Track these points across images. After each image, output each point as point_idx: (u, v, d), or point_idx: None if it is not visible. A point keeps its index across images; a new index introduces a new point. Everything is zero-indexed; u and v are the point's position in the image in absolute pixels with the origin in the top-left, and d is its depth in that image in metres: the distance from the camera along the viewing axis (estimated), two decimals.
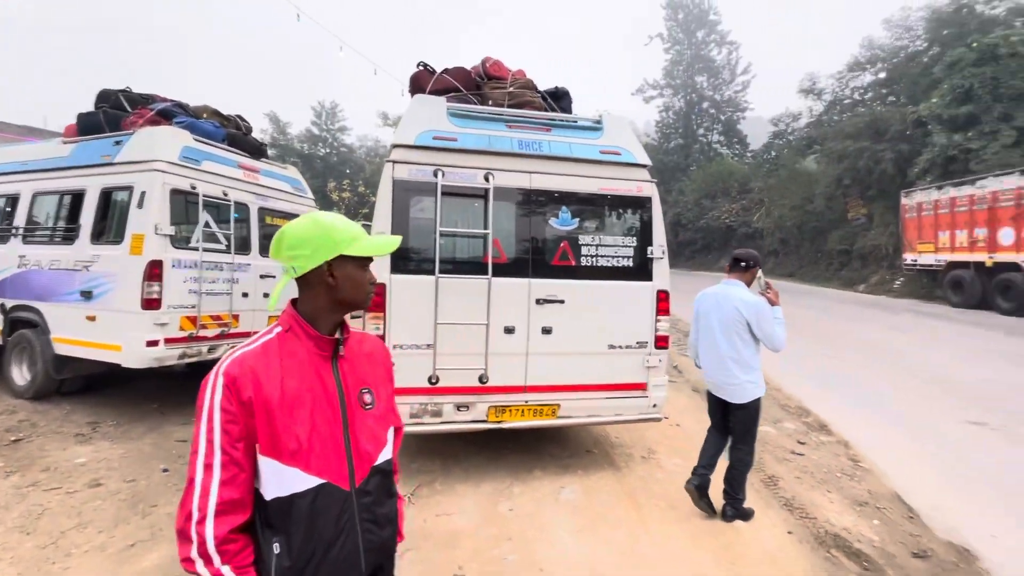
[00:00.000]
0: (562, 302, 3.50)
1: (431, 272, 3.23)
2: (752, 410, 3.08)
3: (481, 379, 3.38)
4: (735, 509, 3.10)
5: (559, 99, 4.73)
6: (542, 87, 4.63)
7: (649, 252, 3.66)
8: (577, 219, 3.56)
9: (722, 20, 41.60)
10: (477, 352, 3.34)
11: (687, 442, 4.43)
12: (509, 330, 3.43)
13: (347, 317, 1.17)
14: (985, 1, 19.33)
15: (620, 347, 3.62)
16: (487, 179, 3.37)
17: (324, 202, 31.43)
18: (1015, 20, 17.74)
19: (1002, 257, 11.45)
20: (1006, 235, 11.40)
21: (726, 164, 34.73)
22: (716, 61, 41.39)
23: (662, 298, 3.66)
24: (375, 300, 3.21)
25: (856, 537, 2.98)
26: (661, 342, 3.68)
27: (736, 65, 40.73)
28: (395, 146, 3.37)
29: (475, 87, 4.28)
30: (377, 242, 1.12)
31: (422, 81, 4.20)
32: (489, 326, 3.31)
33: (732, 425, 3.15)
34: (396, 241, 1.15)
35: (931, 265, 13.73)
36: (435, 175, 3.27)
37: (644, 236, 3.67)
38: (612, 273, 3.61)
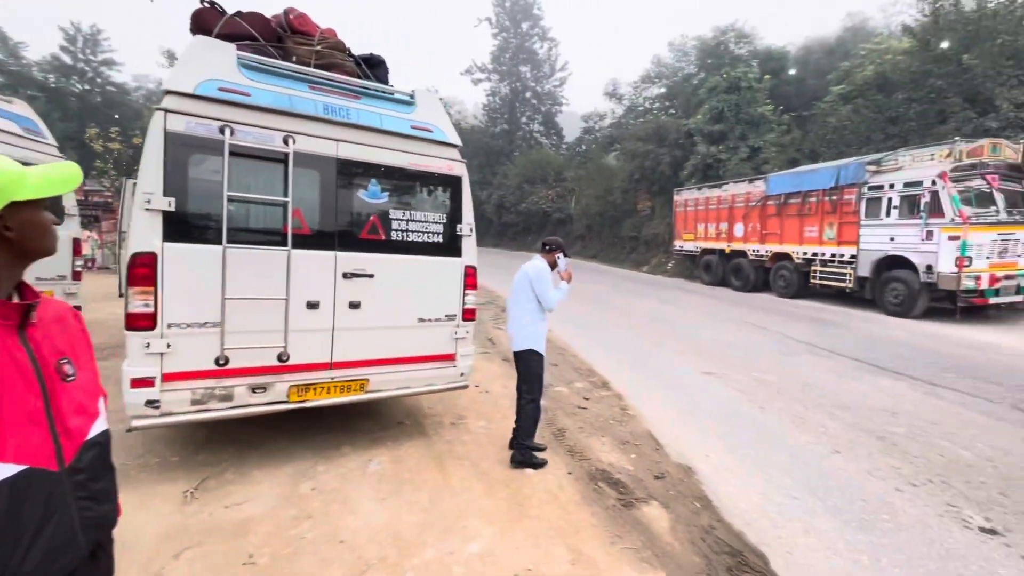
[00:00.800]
0: (371, 276, 3.46)
1: (217, 241, 2.88)
2: (528, 361, 3.58)
3: (280, 357, 3.17)
4: (521, 455, 3.53)
5: (374, 67, 4.55)
6: (359, 52, 4.41)
7: (458, 229, 3.84)
8: (387, 193, 3.54)
9: (544, 16, 44.17)
10: (275, 329, 3.11)
11: (493, 407, 4.84)
12: (313, 305, 3.27)
13: (30, 279, 1.02)
14: (735, 41, 24.31)
15: (430, 320, 3.75)
16: (287, 142, 3.11)
17: (82, 152, 25.02)
18: (752, 60, 22.70)
19: (735, 246, 14.81)
20: (738, 229, 14.75)
21: (544, 153, 37.51)
22: (539, 54, 44.03)
23: (470, 273, 3.89)
24: (141, 272, 2.75)
25: (618, 470, 3.64)
26: (468, 315, 3.91)
27: (556, 61, 43.93)
28: (169, 93, 2.87)
29: (275, 39, 3.88)
30: (54, 176, 0.97)
31: (207, 21, 3.63)
32: (289, 301, 3.11)
33: (517, 375, 3.62)
34: (76, 172, 1.01)
35: (692, 251, 17.03)
36: (221, 132, 2.90)
37: (453, 214, 3.83)
38: (422, 248, 3.69)
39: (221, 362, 2.99)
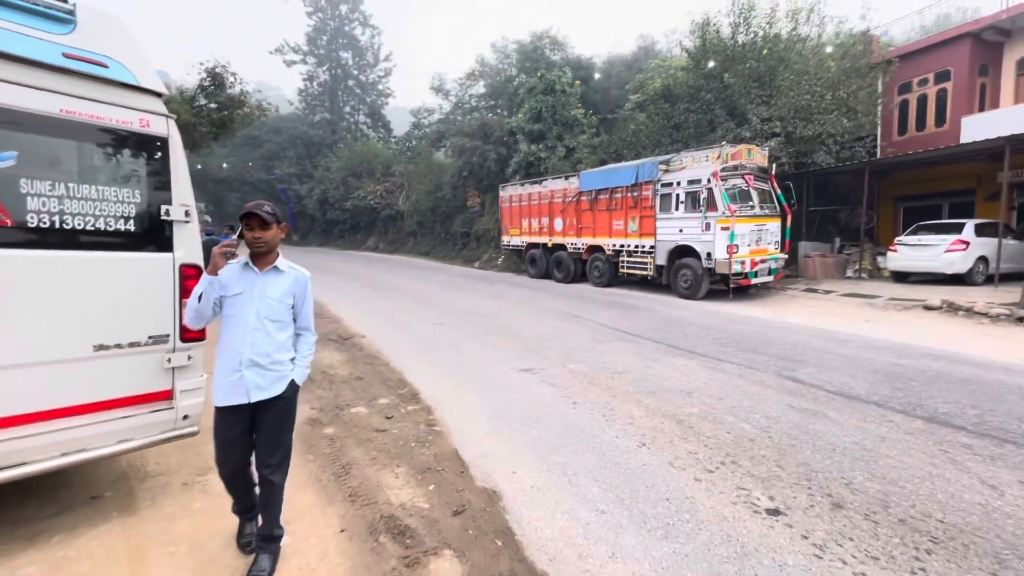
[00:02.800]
0: None
1: None
2: (282, 409, 2.43)
3: None
4: (269, 545, 2.40)
5: None
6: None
7: (165, 212, 2.69)
8: (14, 153, 2.25)
9: (364, 1, 41.83)
10: None
11: None
12: None
13: None
14: (550, 47, 25.75)
15: (120, 346, 2.55)
16: None
17: None
18: (565, 67, 24.25)
19: (556, 240, 15.44)
20: (558, 224, 15.40)
21: (371, 146, 35.52)
22: (360, 41, 41.57)
23: (189, 275, 2.76)
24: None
25: (409, 511, 2.94)
26: (193, 333, 2.79)
27: (379, 50, 41.99)
28: None
29: None
30: None
31: None
32: None
33: (257, 438, 2.43)
34: None
35: (518, 246, 17.37)
36: None
37: (156, 191, 2.67)
38: (95, 240, 2.47)
39: None
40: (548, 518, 2.87)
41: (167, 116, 2.71)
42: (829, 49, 15.05)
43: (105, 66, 2.51)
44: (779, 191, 11.90)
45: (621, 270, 13.20)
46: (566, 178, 15.38)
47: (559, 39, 25.85)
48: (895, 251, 12.16)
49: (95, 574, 2.27)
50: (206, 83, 16.59)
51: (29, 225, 2.28)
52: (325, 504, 2.97)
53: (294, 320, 2.45)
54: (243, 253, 2.36)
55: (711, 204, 10.77)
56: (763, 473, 3.35)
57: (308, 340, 2.50)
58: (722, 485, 3.20)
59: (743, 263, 10.60)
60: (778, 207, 11.82)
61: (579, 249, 14.58)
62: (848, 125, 13.53)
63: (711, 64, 15.18)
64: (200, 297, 2.26)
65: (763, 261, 11.06)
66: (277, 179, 39.37)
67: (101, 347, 2.48)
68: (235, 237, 2.41)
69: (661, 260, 12.01)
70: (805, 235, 15.06)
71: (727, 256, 10.50)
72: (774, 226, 11.55)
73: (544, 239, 15.92)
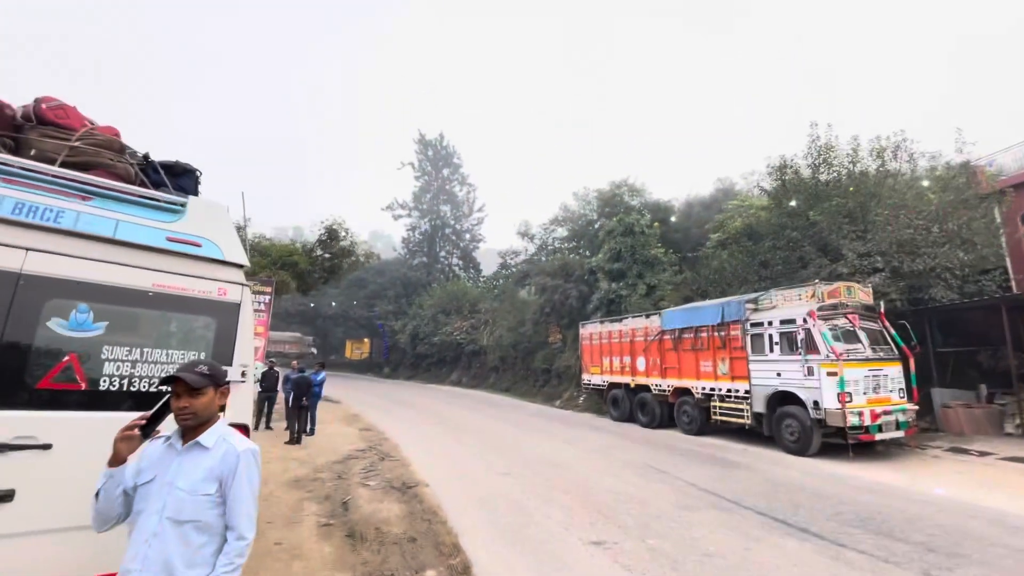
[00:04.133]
0: (47, 447, 2.28)
1: None
2: None
3: None
4: None
5: (177, 175, 3.84)
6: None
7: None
8: (103, 323, 2.53)
9: (463, 164, 48.37)
10: None
11: None
12: None
13: None
14: (628, 194, 27.35)
15: None
16: None
17: None
18: (643, 210, 25.33)
19: (639, 380, 14.60)
20: (640, 363, 14.69)
21: (460, 285, 38.05)
22: (458, 196, 47.20)
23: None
24: None
25: None
26: None
27: (473, 202, 47.15)
28: None
29: (10, 128, 3.06)
30: None
31: None
32: None
33: None
34: None
35: (599, 385, 16.64)
36: None
37: (220, 352, 2.84)
38: (156, 401, 2.61)
39: None
40: None
41: (243, 284, 3.00)
42: (926, 183, 14.33)
43: (199, 245, 2.89)
44: (893, 331, 10.57)
45: (714, 416, 11.91)
46: (647, 316, 15.03)
47: (637, 186, 27.44)
48: None
49: None
50: (324, 237, 19.32)
51: (100, 389, 2.47)
52: None
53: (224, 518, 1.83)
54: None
55: (811, 346, 9.74)
56: None
57: (233, 549, 1.79)
58: None
59: (861, 414, 9.10)
60: (895, 349, 10.40)
61: (664, 391, 13.57)
62: (966, 258, 12.19)
63: (792, 203, 14.99)
64: (98, 494, 1.83)
65: (887, 412, 9.43)
66: (376, 316, 42.91)
67: None
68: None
69: (759, 407, 10.71)
70: (938, 381, 12.89)
71: (839, 406, 9.12)
72: (894, 371, 10.05)
73: (626, 379, 15.14)
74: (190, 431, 1.92)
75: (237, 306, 2.94)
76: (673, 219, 25.26)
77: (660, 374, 13.80)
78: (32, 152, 2.99)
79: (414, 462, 8.98)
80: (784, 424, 10.08)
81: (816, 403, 9.46)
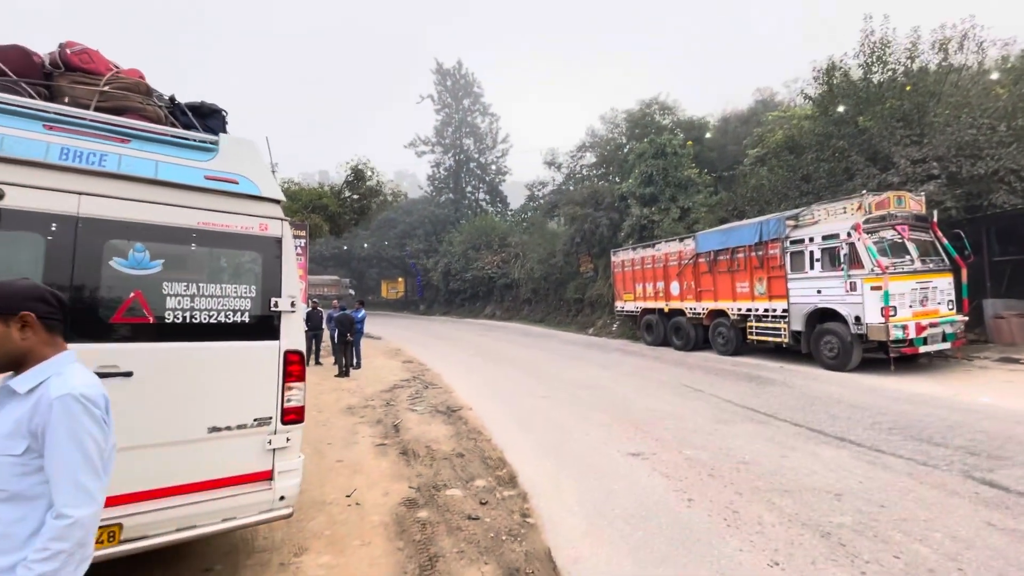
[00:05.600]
0: (128, 375, 2.51)
1: None
2: None
3: None
4: None
5: (204, 116, 3.83)
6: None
7: (275, 304, 2.98)
8: (160, 260, 2.67)
9: (484, 93, 46.43)
10: None
11: (356, 528, 3.76)
12: None
13: None
14: (659, 113, 25.84)
15: (229, 428, 2.78)
16: None
17: None
18: (676, 129, 24.01)
19: (673, 305, 14.56)
20: (674, 287, 14.58)
21: (489, 220, 37.83)
22: (481, 128, 45.76)
23: (293, 360, 2.98)
24: None
25: None
26: (291, 415, 2.96)
27: (497, 134, 45.74)
28: None
29: (40, 76, 3.09)
30: None
31: None
32: None
33: None
34: None
35: (632, 311, 16.70)
36: None
37: (269, 285, 2.98)
38: (218, 332, 2.79)
39: None
40: None
41: (282, 219, 3.07)
42: (995, 76, 12.93)
43: (236, 182, 2.95)
44: (946, 241, 10.04)
45: (749, 336, 11.89)
46: (681, 240, 14.71)
47: (668, 104, 25.90)
48: None
49: None
50: (350, 178, 19.32)
51: (166, 321, 2.66)
52: None
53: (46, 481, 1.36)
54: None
55: (855, 261, 9.40)
56: None
57: (48, 531, 1.30)
58: None
59: (905, 327, 8.90)
60: (947, 260, 9.93)
61: (699, 314, 13.54)
62: None
63: (840, 109, 13.87)
64: None
65: (933, 325, 9.19)
66: (408, 255, 43.57)
67: (214, 429, 2.73)
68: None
69: (797, 325, 10.60)
70: (992, 291, 12.32)
71: (883, 320, 8.93)
72: (944, 282, 9.66)
73: (660, 304, 15.12)
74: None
75: (279, 240, 3.04)
76: (708, 136, 23.91)
77: (695, 297, 13.70)
78: (66, 99, 3.03)
79: (456, 389, 9.43)
80: (823, 341, 9.98)
81: (858, 318, 9.27)
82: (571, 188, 30.31)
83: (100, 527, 2.39)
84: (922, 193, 10.55)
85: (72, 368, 1.52)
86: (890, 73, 13.63)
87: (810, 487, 4.30)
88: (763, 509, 3.91)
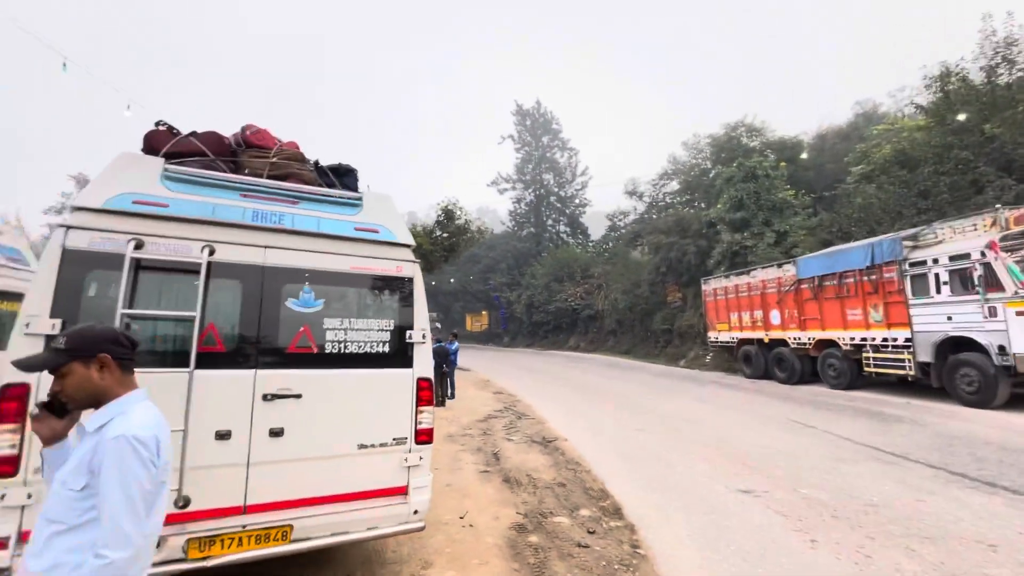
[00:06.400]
0: (299, 397, 2.98)
1: None
2: None
3: (178, 503, 2.63)
4: None
5: (342, 175, 4.48)
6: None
7: (409, 336, 3.38)
8: (322, 300, 3.18)
9: (563, 129, 47.60)
10: (171, 467, 2.60)
11: (472, 548, 3.99)
12: (223, 436, 2.78)
13: None
14: (747, 135, 24.98)
15: (374, 446, 3.17)
16: (205, 252, 2.86)
17: None
18: (766, 151, 23.03)
19: (774, 334, 13.70)
20: (774, 316, 13.74)
21: (570, 251, 38.10)
22: (560, 163, 46.76)
23: (423, 387, 3.35)
24: (9, 406, 2.38)
25: None
26: (423, 436, 3.31)
27: (576, 167, 46.45)
28: (75, 209, 2.72)
29: (230, 154, 3.85)
30: None
31: (159, 143, 3.64)
32: (187, 432, 2.64)
33: None
34: None
35: (727, 342, 15.90)
36: (128, 246, 2.67)
37: (404, 319, 3.40)
38: (364, 360, 3.23)
39: None
40: None
41: (414, 262, 3.52)
42: None
43: (377, 232, 3.44)
44: None
45: (866, 368, 10.86)
46: (779, 266, 13.94)
47: (755, 125, 24.97)
48: None
49: None
50: (441, 218, 20.60)
51: (327, 351, 3.14)
52: None
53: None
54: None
55: (992, 283, 8.39)
56: None
57: (91, 565, 1.34)
58: None
59: None
60: None
61: (804, 344, 12.61)
62: None
63: (961, 117, 12.65)
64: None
65: None
66: (492, 288, 44.86)
67: (362, 446, 3.13)
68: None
69: (925, 356, 9.54)
70: None
71: None
72: None
73: (759, 334, 14.29)
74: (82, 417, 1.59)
75: (411, 280, 3.48)
76: (803, 156, 22.64)
77: (799, 326, 12.82)
78: (246, 171, 3.75)
79: (548, 420, 9.54)
80: (959, 373, 8.90)
81: (1002, 348, 8.20)
82: (654, 217, 29.87)
83: (273, 527, 2.84)
84: None
85: (137, 407, 1.56)
86: (1020, 73, 12.27)
87: (957, 535, 3.89)
88: (901, 556, 3.60)
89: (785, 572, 3.47)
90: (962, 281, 8.93)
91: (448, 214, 20.41)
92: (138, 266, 2.73)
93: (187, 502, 2.65)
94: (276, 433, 2.90)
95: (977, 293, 8.58)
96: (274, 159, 3.88)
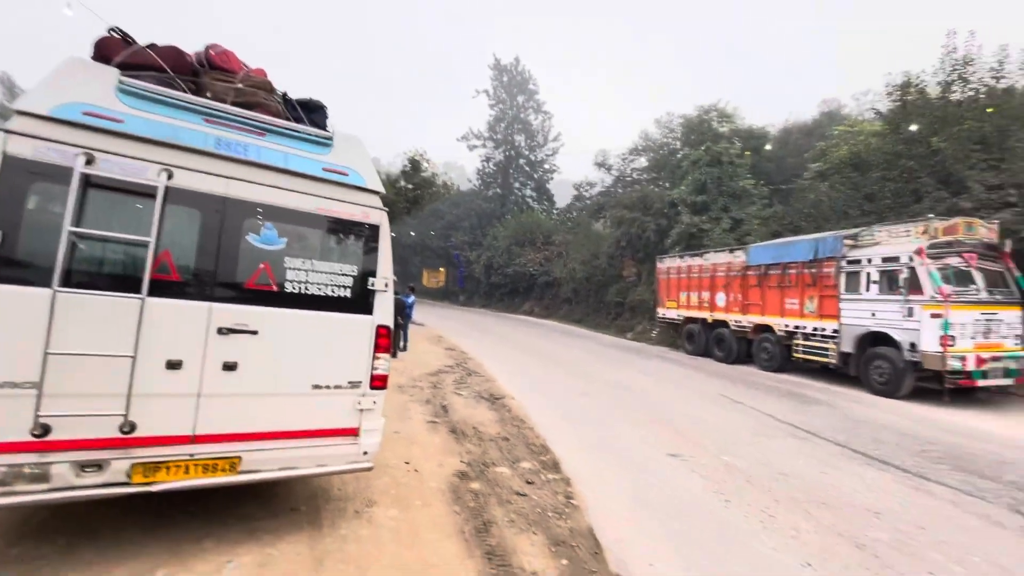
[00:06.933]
0: (255, 333, 2.97)
1: (46, 283, 2.41)
2: None
3: (123, 428, 2.61)
4: None
5: (311, 111, 4.30)
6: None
7: (371, 283, 3.39)
8: (285, 239, 3.12)
9: (539, 90, 46.55)
10: (117, 392, 2.57)
11: (416, 490, 4.17)
12: (174, 365, 2.75)
13: None
14: (717, 120, 25.37)
15: (328, 387, 3.21)
16: (163, 176, 2.73)
17: None
18: (734, 138, 23.53)
19: (717, 316, 14.45)
20: (720, 299, 14.45)
21: (534, 217, 38.09)
22: (533, 125, 45.98)
23: (382, 334, 3.40)
24: None
25: None
26: (378, 382, 3.38)
27: (549, 132, 45.83)
28: (19, 113, 2.52)
29: (191, 74, 3.61)
30: None
31: (111, 51, 3.36)
32: (137, 359, 2.59)
33: None
34: None
35: (674, 319, 16.64)
36: (76, 159, 2.51)
37: (367, 266, 3.40)
38: (325, 303, 3.23)
39: (36, 432, 2.42)
40: None
41: (382, 209, 3.49)
42: None
43: (346, 174, 3.37)
44: (1018, 273, 9.61)
45: (795, 354, 11.71)
46: (731, 251, 14.55)
47: (727, 111, 25.34)
48: None
49: (289, 573, 2.78)
50: (407, 168, 20.04)
51: (287, 291, 3.11)
52: (466, 556, 3.18)
53: None
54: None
55: (914, 286, 9.15)
56: None
57: None
58: None
59: (963, 359, 8.62)
60: (1017, 293, 9.50)
61: (744, 327, 13.40)
62: None
63: (913, 127, 13.36)
64: None
65: (996, 358, 8.85)
66: (452, 246, 44.46)
67: (316, 386, 3.17)
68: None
69: (848, 347, 10.39)
70: None
71: (940, 349, 8.67)
72: (1011, 316, 9.27)
73: (704, 314, 15.02)
74: None
75: (378, 228, 3.45)
76: (767, 148, 23.32)
77: (741, 310, 13.57)
78: (208, 94, 3.54)
79: (498, 379, 9.81)
80: (873, 365, 9.77)
81: (913, 345, 9.04)
82: (620, 191, 30.21)
83: (220, 457, 2.88)
84: (995, 221, 10.11)
85: None
86: (971, 92, 13.01)
87: (849, 503, 4.40)
88: (799, 518, 4.06)
89: (699, 525, 3.85)
90: (889, 282, 9.68)
91: (415, 165, 19.87)
92: (87, 183, 2.58)
93: (133, 427, 2.63)
94: (230, 367, 2.89)
95: (900, 294, 9.35)
96: (240, 85, 3.68)
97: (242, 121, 3.13)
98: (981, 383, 8.76)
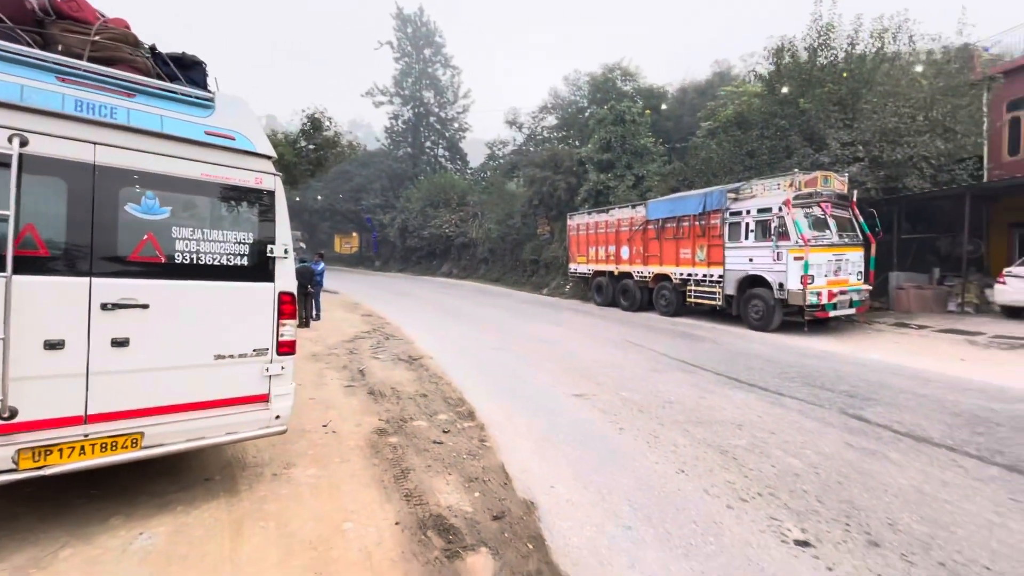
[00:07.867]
0: (145, 307, 2.88)
1: None
2: None
3: (2, 414, 2.48)
4: None
5: (186, 68, 3.99)
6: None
7: (270, 251, 3.36)
8: (169, 208, 2.99)
9: (447, 44, 44.83)
10: None
11: (335, 450, 4.31)
12: (54, 345, 2.62)
13: None
14: (621, 79, 26.17)
15: (232, 356, 3.21)
16: (15, 142, 2.49)
17: None
18: (636, 96, 24.51)
19: (622, 268, 15.49)
20: (624, 252, 15.47)
21: (448, 177, 37.50)
22: (442, 81, 44.45)
23: (285, 300, 3.41)
24: None
25: (455, 513, 3.31)
26: (285, 348, 3.42)
27: (459, 89, 44.61)
28: None
29: (34, 23, 3.21)
30: None
31: None
32: (9, 341, 2.45)
33: None
34: None
35: (585, 273, 17.59)
36: None
37: (264, 233, 3.35)
38: (221, 273, 3.17)
39: None
40: (577, 529, 3.12)
41: (275, 174, 3.41)
42: (919, 68, 14.12)
43: (232, 138, 3.25)
44: (862, 219, 11.27)
45: (689, 299, 12.99)
46: (633, 207, 15.50)
47: (631, 70, 26.23)
48: (1003, 283, 10.97)
49: (205, 539, 2.86)
50: (307, 127, 18.74)
51: (176, 261, 3.01)
52: (384, 501, 3.43)
53: None
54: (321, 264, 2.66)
55: (783, 233, 10.45)
56: (800, 507, 3.37)
57: None
58: (754, 514, 3.27)
59: (819, 294, 10.11)
60: (860, 236, 11.18)
61: (645, 278, 14.53)
62: (945, 147, 12.54)
63: (785, 90, 14.78)
64: None
65: (843, 292, 10.47)
66: (364, 209, 42.67)
67: (219, 356, 3.15)
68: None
69: (731, 290, 11.72)
70: (898, 265, 13.94)
71: (801, 287, 10.09)
72: (855, 256, 10.93)
73: (611, 267, 16.03)
74: None
75: (272, 193, 3.39)
76: (664, 107, 24.58)
77: (643, 262, 14.65)
78: (59, 48, 3.19)
79: (416, 341, 9.96)
80: (751, 304, 11.14)
81: (781, 285, 10.41)
82: (532, 149, 30.48)
83: (119, 435, 2.84)
84: (846, 174, 11.68)
85: None
86: (832, 58, 14.58)
87: (719, 420, 5.19)
88: (678, 435, 4.75)
89: (595, 451, 4.38)
90: (763, 230, 10.96)
91: (315, 123, 18.61)
92: None
93: (13, 413, 2.51)
94: (120, 343, 2.80)
95: (772, 240, 10.64)
96: (97, 38, 3.34)
97: (105, 80, 2.89)
98: (832, 314, 10.36)
